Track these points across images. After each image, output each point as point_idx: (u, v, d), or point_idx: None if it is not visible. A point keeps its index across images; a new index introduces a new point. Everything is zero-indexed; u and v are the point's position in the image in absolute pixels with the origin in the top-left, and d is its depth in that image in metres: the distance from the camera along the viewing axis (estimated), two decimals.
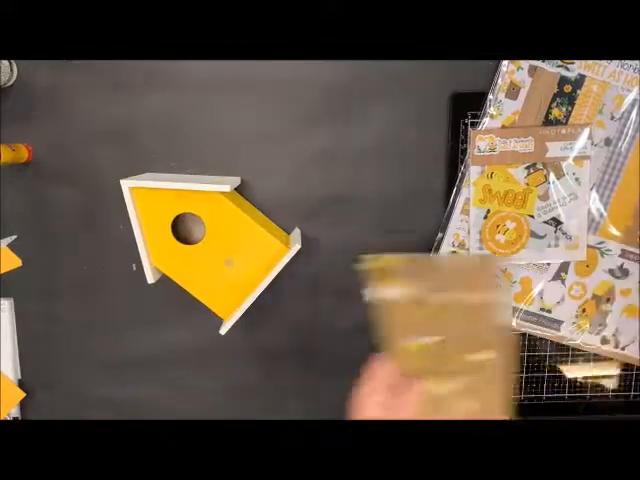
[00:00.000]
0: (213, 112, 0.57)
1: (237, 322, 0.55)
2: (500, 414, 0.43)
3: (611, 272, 0.60)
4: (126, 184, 0.50)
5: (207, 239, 0.53)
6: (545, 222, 0.59)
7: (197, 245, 0.53)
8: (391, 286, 0.42)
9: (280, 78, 0.56)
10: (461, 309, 0.42)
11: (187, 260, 0.53)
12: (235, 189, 0.56)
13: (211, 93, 0.56)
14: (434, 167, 0.59)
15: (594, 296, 0.61)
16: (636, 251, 0.59)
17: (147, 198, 0.51)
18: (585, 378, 0.64)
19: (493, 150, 0.57)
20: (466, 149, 0.58)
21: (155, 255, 0.53)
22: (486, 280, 0.42)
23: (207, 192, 0.50)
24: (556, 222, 0.59)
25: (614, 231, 0.59)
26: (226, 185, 0.49)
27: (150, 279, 0.53)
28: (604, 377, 0.64)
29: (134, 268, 0.59)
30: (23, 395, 0.60)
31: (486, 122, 0.57)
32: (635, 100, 0.56)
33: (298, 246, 0.53)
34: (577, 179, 0.58)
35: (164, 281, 0.56)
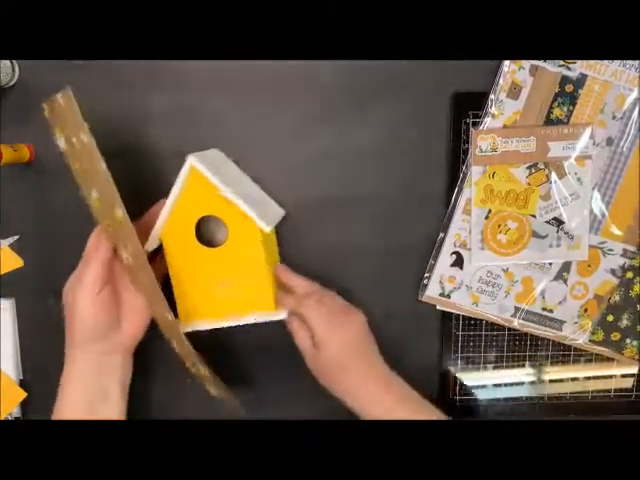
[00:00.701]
0: (212, 112, 0.57)
1: None
2: None
3: (613, 272, 0.60)
4: (191, 160, 0.49)
5: (219, 252, 0.52)
6: (547, 222, 0.59)
7: (208, 250, 0.52)
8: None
9: (280, 78, 0.56)
10: None
11: (190, 255, 0.52)
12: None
13: (210, 93, 0.56)
14: (435, 167, 0.59)
15: (596, 296, 0.60)
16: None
17: (197, 183, 0.50)
18: (587, 378, 0.64)
19: (495, 150, 0.57)
20: (467, 149, 0.58)
21: (167, 232, 0.51)
22: None
23: (246, 214, 0.49)
24: (558, 222, 0.59)
25: (616, 231, 0.59)
26: (269, 226, 0.49)
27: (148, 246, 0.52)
28: (606, 377, 0.63)
29: None
30: (24, 395, 0.60)
31: (487, 122, 0.57)
32: (637, 99, 0.56)
33: (283, 315, 0.54)
34: (579, 179, 0.58)
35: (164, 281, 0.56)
